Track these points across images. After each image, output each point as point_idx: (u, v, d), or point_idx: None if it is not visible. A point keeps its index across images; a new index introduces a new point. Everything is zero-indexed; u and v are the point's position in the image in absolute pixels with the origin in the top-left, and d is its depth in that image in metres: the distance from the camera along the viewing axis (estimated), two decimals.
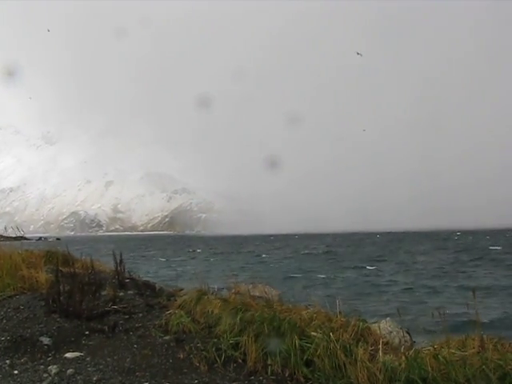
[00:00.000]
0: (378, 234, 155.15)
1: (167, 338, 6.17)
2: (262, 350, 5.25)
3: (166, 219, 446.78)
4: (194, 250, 79.14)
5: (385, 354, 4.83)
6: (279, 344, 5.18)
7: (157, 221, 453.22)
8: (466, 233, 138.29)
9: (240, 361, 5.34)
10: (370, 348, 5.06)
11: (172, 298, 7.84)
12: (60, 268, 7.93)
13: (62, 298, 6.99)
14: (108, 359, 5.63)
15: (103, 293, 7.87)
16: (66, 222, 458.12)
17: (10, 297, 7.86)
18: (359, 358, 4.76)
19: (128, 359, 5.60)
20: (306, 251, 70.55)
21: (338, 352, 4.87)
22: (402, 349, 5.20)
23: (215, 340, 5.71)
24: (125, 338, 6.30)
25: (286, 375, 5.01)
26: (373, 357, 4.84)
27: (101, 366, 5.44)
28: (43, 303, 7.22)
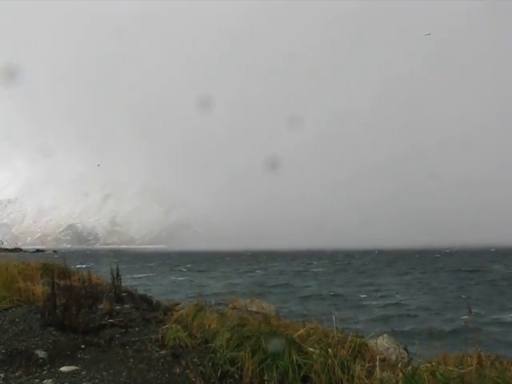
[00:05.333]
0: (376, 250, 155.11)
1: (163, 352, 6.14)
2: (259, 366, 5.22)
3: (163, 233, 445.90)
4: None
5: (382, 370, 4.81)
6: (276, 360, 5.15)
7: (154, 234, 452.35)
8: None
9: (236, 376, 5.31)
10: (368, 364, 5.04)
11: (169, 313, 7.81)
12: (56, 281, 7.91)
13: (57, 311, 6.95)
14: (104, 373, 5.58)
15: (100, 306, 7.83)
16: (63, 234, 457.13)
17: (5, 309, 7.82)
18: (356, 375, 4.74)
19: (124, 373, 5.56)
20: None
21: (336, 368, 4.85)
22: (400, 365, 5.17)
23: (212, 355, 5.68)
24: (121, 352, 6.26)
25: None
26: (370, 373, 4.82)
27: (96, 381, 5.39)
28: (39, 316, 7.17)
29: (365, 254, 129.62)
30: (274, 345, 5.29)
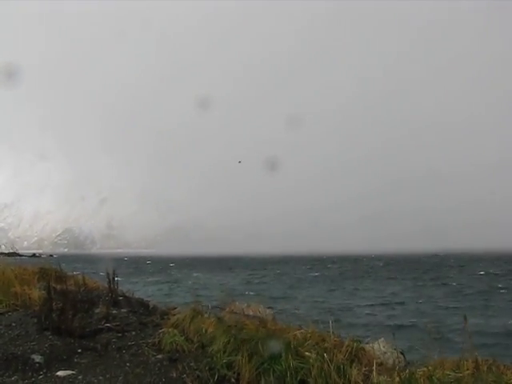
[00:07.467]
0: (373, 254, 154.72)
1: (160, 356, 6.13)
2: (256, 370, 5.22)
3: (159, 237, 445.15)
4: None
5: (379, 374, 4.81)
6: (273, 364, 5.15)
7: (150, 238, 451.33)
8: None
9: (233, 380, 5.30)
10: (364, 369, 5.04)
11: (165, 317, 7.80)
12: (53, 285, 7.89)
13: (54, 316, 6.93)
14: (100, 378, 5.57)
15: (96, 310, 7.82)
16: (59, 238, 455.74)
17: (1, 313, 7.81)
18: (353, 379, 4.74)
19: (120, 378, 5.54)
20: None
21: (332, 373, 4.85)
22: (397, 369, 5.18)
23: (209, 359, 5.68)
24: (117, 356, 6.24)
25: None
26: (367, 377, 4.82)
27: None
28: (35, 320, 7.16)
29: (356, 259, 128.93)
30: (271, 349, 5.29)
